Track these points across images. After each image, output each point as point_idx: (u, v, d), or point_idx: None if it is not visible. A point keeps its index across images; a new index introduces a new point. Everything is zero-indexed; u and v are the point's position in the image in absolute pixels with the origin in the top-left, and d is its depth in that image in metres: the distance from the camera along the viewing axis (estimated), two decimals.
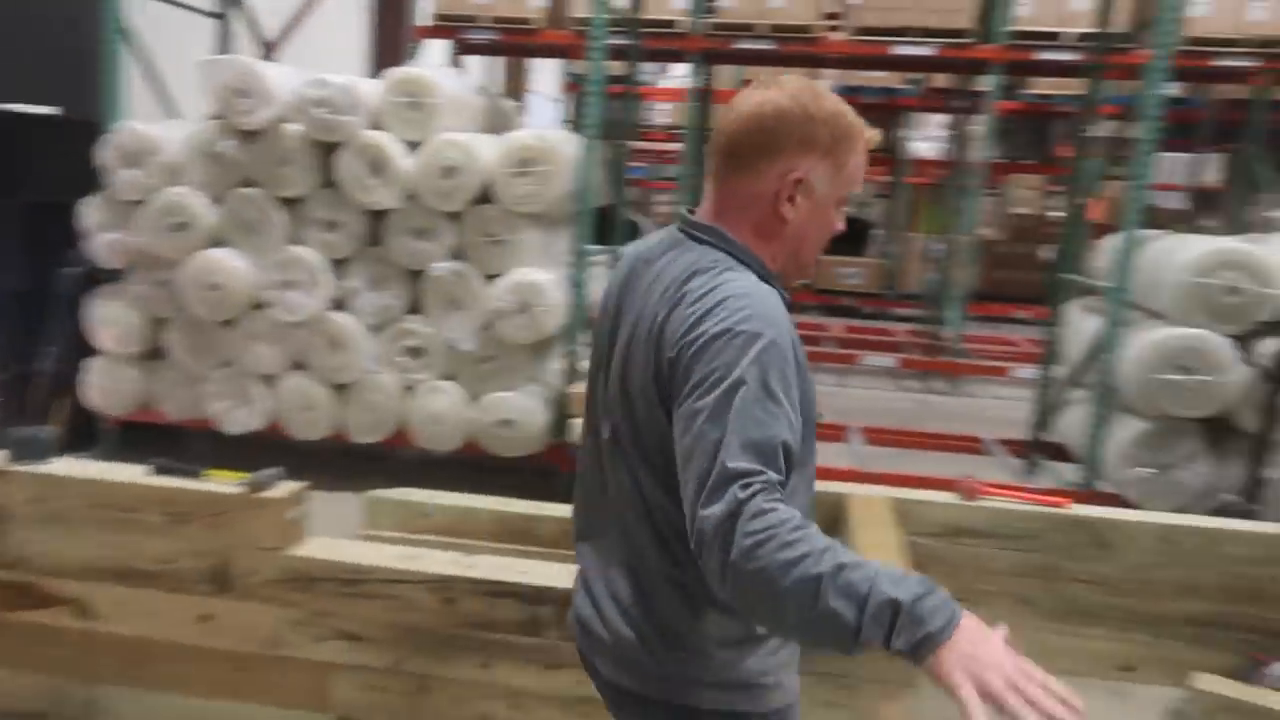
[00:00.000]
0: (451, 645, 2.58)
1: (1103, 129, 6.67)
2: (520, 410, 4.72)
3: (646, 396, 1.34)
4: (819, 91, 1.37)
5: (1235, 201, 9.35)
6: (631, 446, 1.39)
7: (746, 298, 1.28)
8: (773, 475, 1.17)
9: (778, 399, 1.22)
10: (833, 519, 3.35)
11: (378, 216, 4.77)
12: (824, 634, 1.13)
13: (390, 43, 9.01)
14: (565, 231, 4.89)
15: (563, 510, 2.91)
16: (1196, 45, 7.05)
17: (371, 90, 4.76)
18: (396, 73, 4.80)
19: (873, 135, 1.40)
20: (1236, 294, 4.09)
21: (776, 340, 1.26)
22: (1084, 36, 6.83)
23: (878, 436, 5.83)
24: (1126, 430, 4.38)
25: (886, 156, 13.40)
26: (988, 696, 1.06)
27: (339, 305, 4.82)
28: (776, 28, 7.66)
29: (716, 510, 1.14)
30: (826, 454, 5.60)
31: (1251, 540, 3.06)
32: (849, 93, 12.19)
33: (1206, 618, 3.19)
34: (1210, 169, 14.07)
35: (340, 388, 4.86)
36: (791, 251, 1.42)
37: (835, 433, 5.88)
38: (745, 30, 7.66)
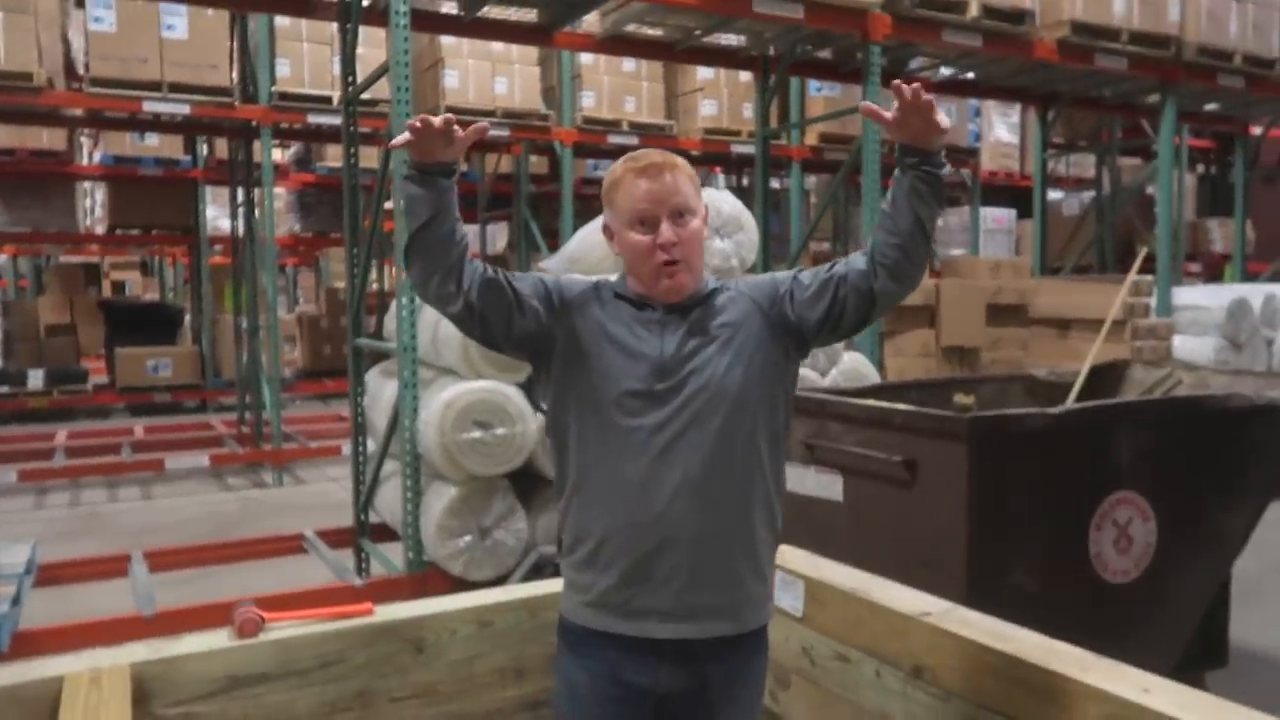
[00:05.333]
0: None
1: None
2: None
3: None
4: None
5: (521, 260, 10.21)
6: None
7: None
8: None
9: None
10: (47, 717, 2.31)
11: None
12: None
13: None
14: None
15: None
16: (456, 114, 7.37)
17: None
18: None
19: (631, 163, 1.70)
20: None
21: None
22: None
23: (173, 559, 4.75)
24: (439, 499, 4.05)
25: (186, 235, 12.15)
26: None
27: None
28: None
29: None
30: (96, 598, 4.43)
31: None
32: (127, 163, 10.67)
33: (541, 698, 2.89)
34: (501, 236, 15.58)
35: None
36: (631, 270, 1.73)
37: (114, 566, 4.63)
38: None
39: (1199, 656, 3.27)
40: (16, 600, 3.52)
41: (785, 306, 1.73)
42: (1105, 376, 4.10)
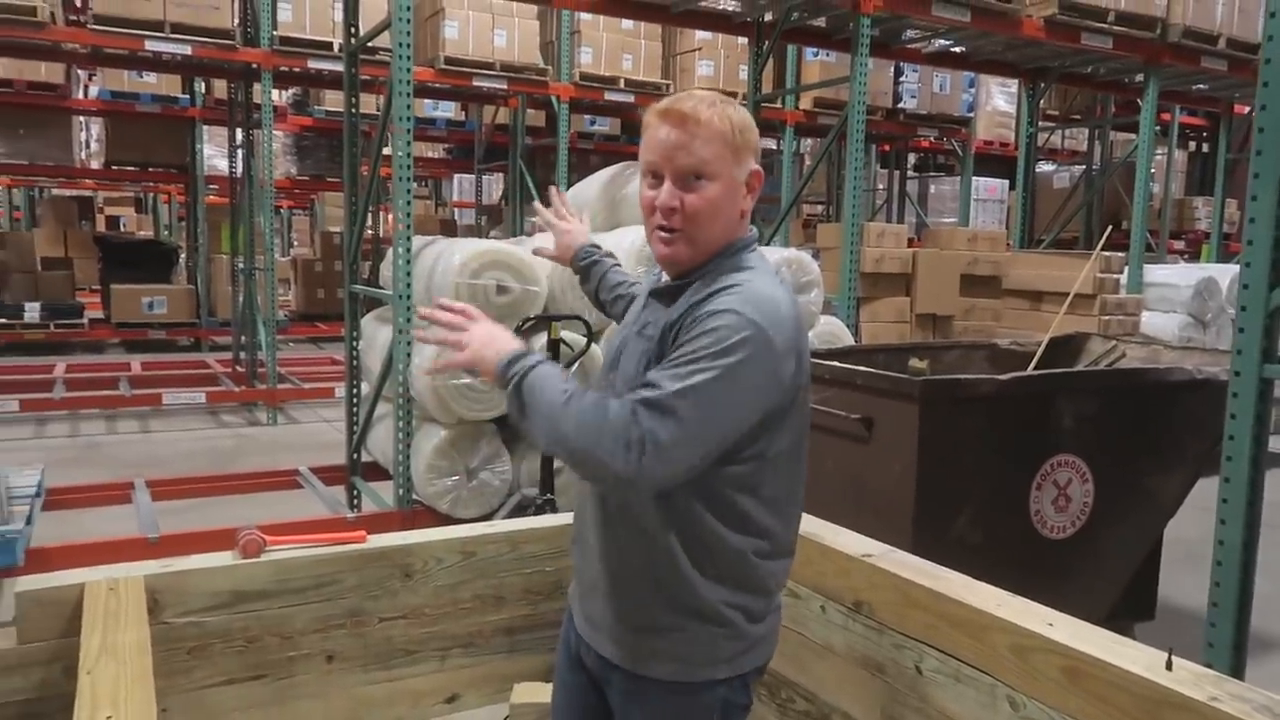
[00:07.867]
0: None
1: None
2: None
3: None
4: None
5: (515, 212, 10.34)
6: None
7: None
8: None
9: None
10: (68, 620, 2.53)
11: None
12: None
13: None
14: None
15: None
16: (455, 66, 7.46)
17: None
18: None
19: (664, 103, 1.47)
20: (505, 292, 4.23)
21: None
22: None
23: (174, 489, 4.96)
24: (429, 440, 4.27)
25: (182, 174, 12.21)
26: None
27: None
28: None
29: None
30: (100, 522, 4.65)
31: (547, 536, 3.04)
32: (124, 99, 10.69)
33: (517, 624, 3.13)
34: (497, 187, 15.64)
35: None
36: None
37: (118, 492, 4.84)
38: None
39: (1129, 609, 3.54)
40: (29, 520, 3.73)
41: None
42: (1065, 347, 4.32)
